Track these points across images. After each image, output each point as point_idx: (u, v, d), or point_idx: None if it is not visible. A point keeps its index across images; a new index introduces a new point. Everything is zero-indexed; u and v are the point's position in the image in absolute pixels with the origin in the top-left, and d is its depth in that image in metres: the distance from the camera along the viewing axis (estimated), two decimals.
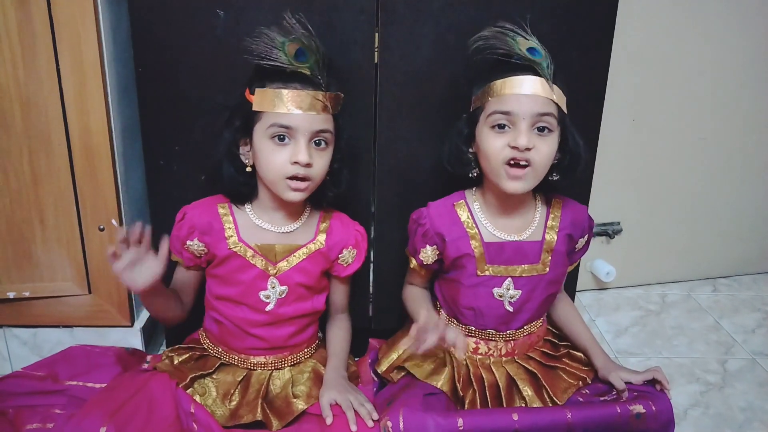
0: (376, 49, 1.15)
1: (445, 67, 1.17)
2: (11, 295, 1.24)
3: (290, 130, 1.01)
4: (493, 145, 1.03)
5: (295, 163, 1.01)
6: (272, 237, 1.11)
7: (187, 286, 1.16)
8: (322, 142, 1.04)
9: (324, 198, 1.14)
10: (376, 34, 1.14)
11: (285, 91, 1.00)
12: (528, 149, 1.00)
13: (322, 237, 1.14)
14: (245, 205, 1.12)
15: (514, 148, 1.00)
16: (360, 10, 1.12)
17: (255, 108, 1.02)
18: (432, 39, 1.15)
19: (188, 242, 1.10)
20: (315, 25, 1.12)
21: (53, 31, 1.10)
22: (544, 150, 1.02)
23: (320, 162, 1.05)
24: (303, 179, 1.03)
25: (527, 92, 1.01)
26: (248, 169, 1.07)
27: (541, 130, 1.02)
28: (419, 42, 1.15)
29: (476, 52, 1.05)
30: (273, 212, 1.12)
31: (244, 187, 1.10)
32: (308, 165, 1.02)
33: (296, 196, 1.05)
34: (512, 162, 1.02)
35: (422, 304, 1.17)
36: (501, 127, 1.02)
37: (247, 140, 1.06)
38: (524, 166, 1.02)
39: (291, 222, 1.13)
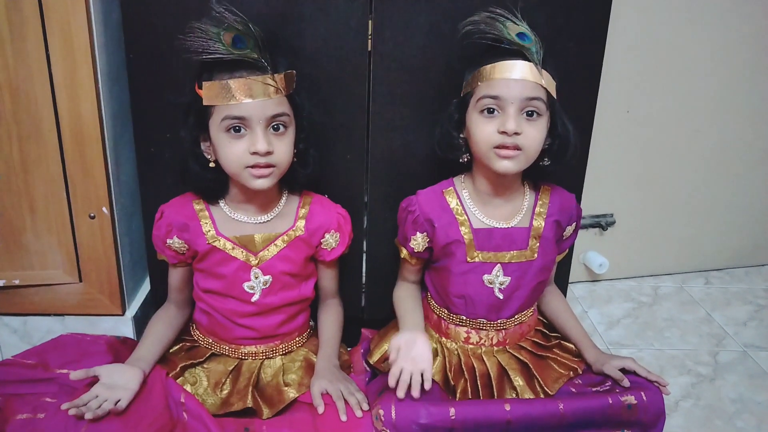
0: (370, 37, 1.14)
1: (439, 55, 1.16)
2: (1, 282, 1.24)
3: (244, 120, 0.99)
4: (483, 130, 1.03)
5: (255, 153, 0.99)
6: (250, 228, 1.10)
7: (182, 283, 1.16)
8: (281, 126, 1.02)
9: (296, 181, 1.12)
10: (370, 22, 1.13)
11: (231, 81, 0.97)
12: (516, 134, 1.00)
13: (301, 223, 1.12)
14: (218, 201, 1.11)
15: (503, 133, 1.00)
16: None
17: (205, 103, 1.00)
18: (426, 27, 1.14)
19: (168, 240, 1.09)
20: (307, 12, 1.12)
21: (42, 16, 1.08)
22: (533, 134, 1.02)
23: (281, 147, 1.02)
24: (266, 166, 1.01)
25: (516, 77, 1.01)
26: (211, 164, 1.05)
27: (529, 114, 1.02)
28: (413, 30, 1.14)
29: (466, 36, 1.05)
30: (246, 205, 1.10)
31: (212, 183, 1.08)
32: (269, 153, 1.00)
33: (262, 184, 1.02)
34: (501, 146, 1.02)
35: (407, 316, 1.14)
36: (490, 111, 1.02)
37: (206, 136, 1.04)
38: (514, 149, 1.02)
39: (266, 212, 1.11)
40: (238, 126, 0.99)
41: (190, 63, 1.12)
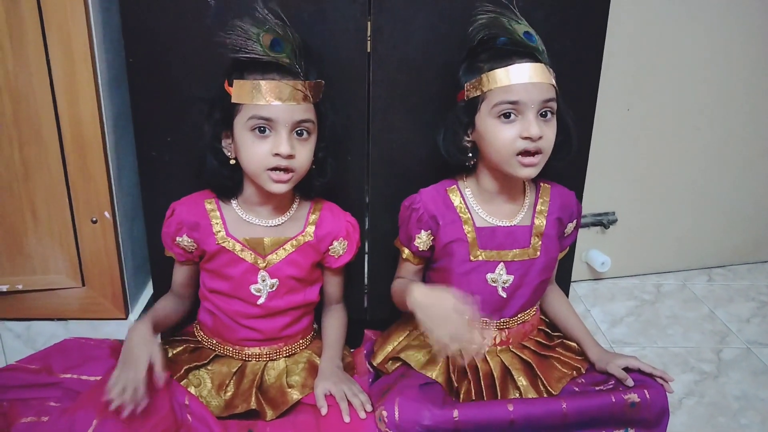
0: (369, 38, 1.14)
1: (438, 56, 1.16)
2: (4, 288, 1.24)
3: (270, 121, 1.00)
4: (504, 137, 1.01)
5: (277, 155, 1.00)
6: (260, 231, 1.11)
7: (186, 280, 1.17)
8: (304, 132, 1.03)
9: (311, 188, 1.13)
10: (369, 23, 1.13)
11: (263, 83, 0.98)
12: (540, 137, 0.99)
13: (311, 229, 1.13)
14: (231, 201, 1.12)
15: (526, 138, 1.00)
16: None
17: (234, 100, 1.01)
18: (425, 27, 1.14)
19: (177, 238, 1.10)
20: (306, 14, 1.12)
21: (42, 20, 1.09)
22: (551, 135, 1.02)
23: (303, 152, 1.03)
24: (286, 170, 1.02)
25: (533, 80, 1.00)
26: (231, 162, 1.06)
27: (544, 115, 1.01)
28: (412, 30, 1.14)
29: (481, 44, 1.04)
30: (259, 207, 1.11)
31: (228, 181, 1.09)
32: (290, 156, 1.01)
33: (279, 188, 1.03)
34: (524, 152, 1.01)
35: (412, 283, 1.11)
36: (507, 116, 1.01)
37: (228, 133, 1.05)
38: (535, 153, 1.01)
39: (278, 215, 1.12)
40: (263, 127, 1.00)
41: (190, 67, 1.13)
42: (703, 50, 1.65)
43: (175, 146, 1.19)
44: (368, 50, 1.15)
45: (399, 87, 1.18)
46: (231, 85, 1.01)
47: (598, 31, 1.21)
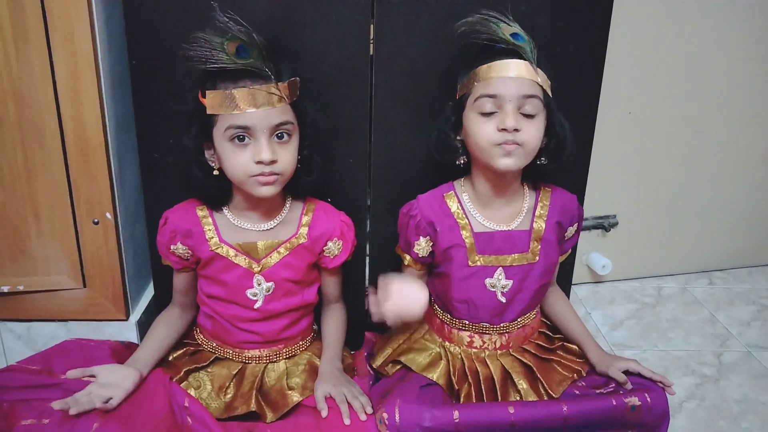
0: (372, 41, 1.14)
1: (441, 59, 1.16)
2: (5, 289, 1.24)
3: (248, 129, 0.99)
4: (483, 130, 1.02)
5: (259, 162, 0.99)
6: (253, 235, 1.11)
7: (187, 287, 1.17)
8: (285, 135, 1.02)
9: (300, 188, 1.12)
10: (372, 26, 1.13)
11: (235, 91, 0.97)
12: (516, 130, 1.00)
13: (304, 230, 1.13)
14: (222, 208, 1.11)
15: (502, 130, 1.00)
16: (355, 1, 1.12)
17: (209, 111, 1.00)
18: (428, 31, 1.15)
19: (172, 247, 1.10)
20: (310, 18, 1.12)
21: (46, 22, 1.09)
22: (532, 131, 1.02)
23: (286, 155, 1.02)
24: (270, 175, 1.01)
25: (512, 75, 1.01)
26: (215, 172, 1.06)
27: (527, 113, 1.02)
28: (415, 34, 1.15)
29: (461, 37, 1.05)
30: (250, 212, 1.11)
31: (216, 190, 1.08)
32: (273, 162, 1.00)
33: (268, 191, 1.03)
34: (502, 144, 1.01)
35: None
36: (487, 111, 1.02)
37: (209, 144, 1.04)
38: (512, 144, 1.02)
39: (270, 219, 1.11)
40: (242, 135, 0.99)
41: (192, 70, 1.12)
42: (705, 54, 1.65)
43: (177, 148, 1.18)
44: (371, 53, 1.15)
45: (401, 90, 1.18)
46: (204, 96, 1.00)
47: (601, 34, 1.22)
